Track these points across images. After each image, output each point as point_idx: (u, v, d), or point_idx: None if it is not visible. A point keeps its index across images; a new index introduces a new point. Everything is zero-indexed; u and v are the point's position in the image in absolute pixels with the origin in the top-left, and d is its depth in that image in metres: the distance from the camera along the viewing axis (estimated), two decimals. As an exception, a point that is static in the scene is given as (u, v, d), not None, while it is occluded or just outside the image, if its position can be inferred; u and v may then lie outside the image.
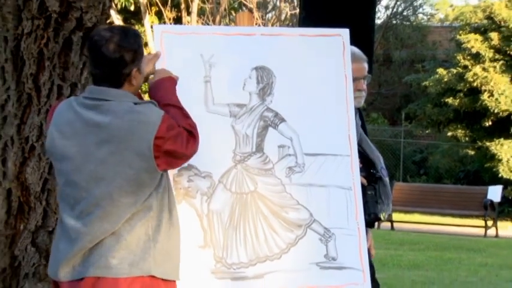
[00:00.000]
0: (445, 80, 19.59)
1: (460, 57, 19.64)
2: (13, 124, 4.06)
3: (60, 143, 2.98)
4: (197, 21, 18.33)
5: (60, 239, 3.02)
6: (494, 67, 18.91)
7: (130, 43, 2.98)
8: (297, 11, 15.24)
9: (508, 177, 18.19)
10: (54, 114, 3.05)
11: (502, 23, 19.36)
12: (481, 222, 15.91)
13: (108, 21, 4.54)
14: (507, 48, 18.97)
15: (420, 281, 8.53)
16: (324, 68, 3.66)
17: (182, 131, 2.99)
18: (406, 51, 26.43)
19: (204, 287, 3.33)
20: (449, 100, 19.39)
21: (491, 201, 16.06)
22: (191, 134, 3.02)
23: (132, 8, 18.53)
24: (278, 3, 21.92)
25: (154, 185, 2.95)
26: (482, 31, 19.82)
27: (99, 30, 3.05)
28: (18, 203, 4.06)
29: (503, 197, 17.21)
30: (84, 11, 4.09)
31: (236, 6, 20.04)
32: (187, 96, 3.30)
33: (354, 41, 3.75)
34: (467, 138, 20.14)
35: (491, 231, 15.64)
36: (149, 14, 18.45)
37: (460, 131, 20.06)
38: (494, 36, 19.17)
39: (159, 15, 18.71)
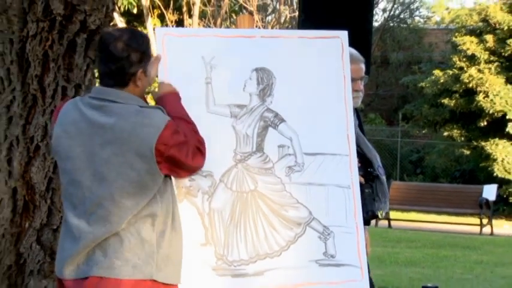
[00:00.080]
0: (441, 81, 19.59)
1: (455, 59, 19.63)
2: (18, 124, 4.06)
3: (65, 142, 2.98)
4: (198, 24, 18.33)
5: (65, 238, 3.02)
6: (490, 69, 18.90)
7: (139, 44, 2.97)
8: (296, 13, 15.25)
9: (502, 176, 18.18)
10: (60, 113, 3.04)
11: (497, 25, 19.36)
12: (477, 221, 15.91)
13: (111, 24, 4.54)
14: (502, 50, 18.97)
15: (417, 278, 8.53)
16: (323, 69, 3.66)
17: (190, 142, 2.99)
18: (403, 53, 26.43)
19: (205, 283, 3.32)
20: (445, 101, 19.39)
21: (487, 200, 16.06)
22: (199, 149, 3.03)
23: (135, 10, 18.55)
24: (278, 6, 21.91)
25: (157, 188, 2.94)
26: (477, 33, 19.81)
27: (110, 29, 3.07)
28: (23, 201, 4.06)
29: (498, 195, 17.21)
30: (88, 13, 4.10)
31: (237, 9, 20.03)
32: (189, 97, 3.29)
33: (352, 43, 3.75)
34: (462, 138, 20.13)
35: (487, 229, 15.65)
36: (152, 16, 18.46)
37: (455, 131, 20.05)
38: (489, 38, 19.16)
39: (162, 17, 18.72)
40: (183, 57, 3.46)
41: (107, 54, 2.96)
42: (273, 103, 3.53)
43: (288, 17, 20.71)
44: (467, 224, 15.93)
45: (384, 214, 4.23)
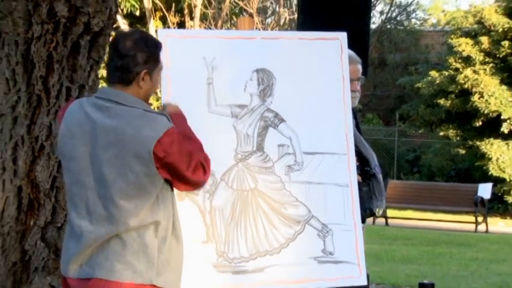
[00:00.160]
0: (437, 82, 19.59)
1: (451, 60, 19.63)
2: (23, 124, 4.06)
3: (69, 142, 2.97)
4: (200, 26, 18.32)
5: (69, 238, 3.01)
6: (485, 70, 18.90)
7: (146, 45, 2.96)
8: (295, 16, 15.24)
9: (497, 175, 18.18)
10: (66, 114, 3.03)
11: (492, 27, 19.36)
12: (472, 218, 15.91)
13: (114, 26, 4.54)
14: (496, 52, 18.96)
15: (413, 275, 8.52)
16: (322, 70, 3.65)
17: (193, 156, 2.95)
18: (400, 54, 26.43)
19: (206, 280, 3.32)
20: (441, 101, 19.38)
21: (482, 198, 16.05)
22: (202, 165, 2.99)
23: (137, 13, 18.53)
24: (277, 9, 21.91)
25: (156, 192, 2.91)
26: (472, 35, 19.81)
27: (124, 30, 3.07)
28: (28, 199, 4.06)
29: (493, 194, 17.20)
30: (91, 16, 4.09)
31: (237, 11, 20.02)
32: (191, 97, 3.29)
33: (350, 45, 3.75)
34: (458, 138, 20.13)
35: (482, 227, 15.64)
36: (154, 18, 18.45)
37: (451, 130, 20.05)
38: (484, 40, 19.16)
39: (164, 20, 18.71)
40: (185, 58, 3.46)
41: (115, 51, 2.97)
42: (273, 103, 3.53)
43: (287, 19, 20.70)
44: (462, 222, 15.92)
45: (380, 212, 4.23)
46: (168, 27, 17.77)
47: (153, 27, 17.84)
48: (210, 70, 3.47)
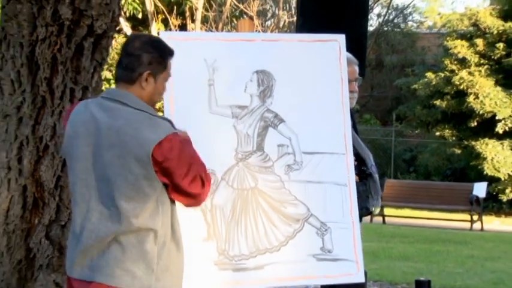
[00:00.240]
0: (434, 83, 19.59)
1: (447, 62, 19.63)
2: (28, 125, 4.06)
3: (74, 142, 2.96)
4: (201, 28, 18.32)
5: (72, 237, 3.00)
6: (480, 71, 18.91)
7: (153, 48, 2.95)
8: (295, 18, 15.24)
9: (492, 174, 18.18)
10: (72, 114, 3.02)
11: (487, 29, 19.36)
12: (467, 217, 15.90)
13: (117, 29, 4.54)
14: (491, 54, 18.97)
15: (410, 272, 8.52)
16: (321, 71, 3.65)
17: (193, 167, 2.89)
18: (397, 56, 26.42)
19: (207, 277, 3.32)
20: (437, 102, 19.38)
21: (477, 197, 16.05)
22: (201, 179, 2.92)
23: (140, 15, 18.54)
24: (277, 12, 21.91)
25: (155, 195, 2.86)
26: (468, 37, 19.81)
27: (140, 33, 3.08)
28: (33, 198, 4.05)
29: (488, 193, 17.20)
30: (95, 18, 4.09)
31: (237, 14, 20.02)
32: (192, 98, 3.29)
33: (348, 47, 3.75)
34: (454, 138, 20.13)
35: (477, 225, 15.64)
36: (156, 21, 18.45)
37: (447, 131, 20.05)
38: (479, 42, 19.17)
39: (165, 22, 18.71)
40: (187, 60, 3.46)
41: (124, 50, 2.98)
42: (273, 104, 3.53)
43: (287, 21, 20.70)
44: (458, 220, 15.92)
45: (378, 211, 4.23)
46: (170, 29, 17.78)
47: (155, 29, 17.85)
48: (211, 72, 3.47)
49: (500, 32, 19.07)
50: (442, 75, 19.54)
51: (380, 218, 15.54)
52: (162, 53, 2.97)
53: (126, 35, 18.41)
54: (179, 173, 2.85)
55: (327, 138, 3.60)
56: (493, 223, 16.95)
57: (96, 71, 4.20)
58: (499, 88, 18.55)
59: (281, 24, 20.55)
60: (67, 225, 3.98)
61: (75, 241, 2.95)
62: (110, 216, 2.87)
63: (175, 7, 18.63)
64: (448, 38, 20.37)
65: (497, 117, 18.23)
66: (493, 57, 18.98)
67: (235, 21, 19.31)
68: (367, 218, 10.25)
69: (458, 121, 19.55)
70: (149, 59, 2.93)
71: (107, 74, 17.12)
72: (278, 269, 3.41)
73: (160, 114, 3.22)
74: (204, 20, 19.00)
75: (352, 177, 3.60)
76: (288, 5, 22.03)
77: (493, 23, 19.23)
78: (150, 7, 18.06)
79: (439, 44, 22.68)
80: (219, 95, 3.46)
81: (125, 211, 2.84)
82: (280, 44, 3.70)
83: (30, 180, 4.05)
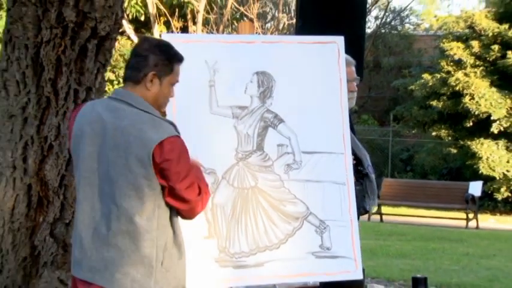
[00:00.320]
0: (430, 84, 19.57)
1: (443, 63, 19.62)
2: (33, 125, 4.06)
3: (80, 141, 2.95)
4: (202, 30, 18.31)
5: (75, 236, 3.00)
6: (475, 72, 18.89)
7: (161, 51, 2.94)
8: (294, 21, 15.23)
9: (487, 173, 18.17)
10: (79, 114, 3.01)
11: (482, 32, 19.35)
12: (463, 215, 15.90)
13: (120, 31, 4.54)
14: (487, 55, 18.95)
15: (407, 269, 8.51)
16: (320, 72, 3.65)
17: (192, 172, 2.88)
18: (394, 57, 26.41)
19: (208, 274, 3.32)
20: (434, 103, 19.37)
21: (472, 196, 16.04)
22: (199, 187, 2.90)
23: (142, 18, 18.56)
24: (276, 14, 21.91)
25: (153, 196, 2.84)
26: (464, 39, 19.80)
27: (150, 36, 3.09)
28: (37, 197, 4.05)
29: (483, 191, 17.19)
30: (98, 21, 4.09)
31: (238, 16, 20.01)
32: (194, 99, 3.29)
33: (346, 49, 3.75)
34: (450, 138, 20.12)
35: (472, 223, 15.63)
36: (158, 23, 18.45)
37: (443, 131, 20.04)
38: (475, 44, 19.15)
39: (167, 24, 18.71)
40: (188, 61, 3.44)
41: (133, 51, 3.00)
42: (272, 104, 3.53)
43: (286, 24, 20.69)
44: (454, 219, 15.92)
45: (375, 209, 4.22)
46: (172, 31, 17.78)
47: (158, 31, 17.85)
48: (211, 73, 3.47)
49: (495, 34, 19.06)
50: (439, 76, 19.53)
51: (378, 217, 15.54)
52: (168, 56, 2.96)
53: (129, 37, 18.43)
54: (176, 176, 2.83)
55: (325, 138, 3.59)
56: (488, 221, 16.95)
57: (99, 72, 4.20)
58: (494, 89, 18.54)
59: (281, 27, 20.54)
60: (71, 223, 3.98)
61: (78, 239, 2.95)
62: (110, 215, 2.86)
63: (177, 10, 18.64)
64: (444, 40, 20.35)
65: (492, 118, 18.22)
66: (488, 58, 18.97)
67: (236, 24, 19.31)
68: (365, 217, 10.24)
69: (454, 121, 19.54)
70: (155, 60, 2.93)
71: (110, 75, 17.11)
72: (278, 266, 3.41)
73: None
74: (205, 23, 19.00)
75: (350, 176, 3.60)
76: (287, 8, 22.04)
77: (488, 25, 19.22)
78: (152, 10, 18.07)
79: (436, 45, 22.66)
80: (219, 96, 3.45)
81: (124, 210, 2.83)
82: (280, 45, 3.70)
83: (35, 179, 4.05)
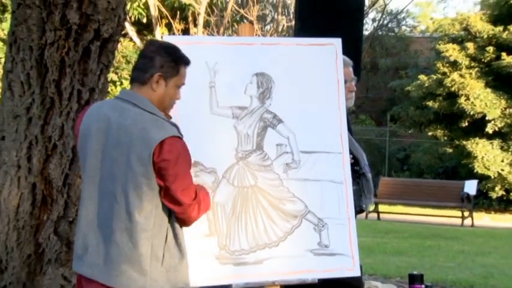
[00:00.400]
0: (426, 85, 19.58)
1: (439, 64, 19.63)
2: (37, 125, 4.06)
3: (87, 140, 2.95)
4: (203, 32, 18.31)
5: (78, 233, 3.00)
6: (470, 74, 18.90)
7: (167, 53, 2.94)
8: (293, 23, 15.25)
9: (482, 172, 18.18)
10: (86, 113, 3.01)
11: (477, 34, 19.36)
12: (458, 213, 15.91)
13: (122, 33, 4.54)
14: (482, 57, 18.96)
15: (403, 266, 8.52)
16: (318, 73, 3.65)
17: (189, 176, 2.87)
18: (391, 59, 26.42)
19: (209, 271, 3.32)
20: (430, 103, 19.38)
21: (468, 194, 16.05)
22: (195, 192, 2.89)
23: (144, 20, 18.54)
24: (276, 16, 21.90)
25: (151, 195, 2.83)
26: (459, 41, 19.81)
27: (158, 39, 3.12)
28: (42, 195, 4.05)
29: (478, 190, 17.20)
30: (101, 23, 4.09)
31: (238, 19, 20.01)
32: (194, 100, 3.28)
33: (344, 50, 3.74)
34: (446, 138, 20.13)
35: (468, 221, 15.64)
36: (160, 25, 18.45)
37: (439, 131, 20.05)
38: (470, 46, 19.16)
39: (169, 26, 18.70)
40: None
41: (140, 53, 3.01)
42: (271, 105, 3.53)
43: (285, 26, 20.69)
44: (450, 217, 15.93)
45: (372, 208, 4.22)
46: (173, 33, 17.77)
47: (159, 33, 17.85)
48: (212, 74, 3.47)
49: (490, 36, 19.07)
50: (434, 77, 19.54)
51: (375, 215, 15.55)
52: (174, 58, 2.96)
53: (131, 39, 18.43)
54: (172, 177, 2.81)
55: (323, 137, 3.59)
56: (483, 219, 16.96)
57: (102, 73, 4.20)
58: (488, 90, 18.55)
59: (280, 29, 20.54)
60: (75, 221, 3.98)
61: (80, 235, 2.95)
62: (111, 212, 2.86)
63: (178, 12, 18.62)
64: (440, 42, 20.37)
65: (487, 118, 18.23)
66: (483, 60, 18.97)
67: (236, 26, 19.30)
68: (362, 215, 10.23)
69: (449, 121, 19.55)
70: (161, 62, 2.93)
71: (112, 76, 17.10)
72: (277, 264, 3.41)
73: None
74: (206, 25, 18.99)
75: (348, 175, 3.60)
76: (286, 10, 22.03)
77: (483, 28, 19.23)
78: (154, 12, 18.07)
79: (432, 47, 22.67)
80: (220, 97, 3.45)
81: (124, 208, 2.83)
82: (279, 47, 3.70)
83: (39, 178, 4.05)
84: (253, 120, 3.49)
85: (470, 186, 16.23)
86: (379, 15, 27.80)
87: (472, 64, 19.11)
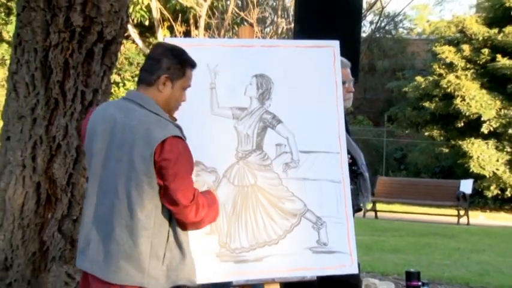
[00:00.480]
0: (423, 86, 19.59)
1: (435, 66, 19.63)
2: (42, 125, 4.06)
3: (93, 139, 2.96)
4: (204, 35, 18.32)
5: (81, 229, 3.00)
6: (466, 75, 18.90)
7: (174, 55, 2.95)
8: (292, 25, 15.24)
9: (478, 172, 18.19)
10: (93, 113, 3.02)
11: (473, 36, 19.37)
12: (454, 212, 15.91)
13: (125, 35, 4.54)
14: (477, 59, 18.96)
15: (401, 264, 8.51)
16: (316, 75, 3.64)
17: (189, 177, 2.86)
18: (388, 61, 26.42)
19: (210, 269, 3.32)
20: (426, 104, 19.39)
21: (463, 193, 16.05)
22: (194, 195, 2.88)
23: (147, 23, 18.56)
24: (275, 19, 21.91)
25: (152, 193, 2.83)
26: (455, 43, 19.81)
27: (165, 42, 3.15)
28: (46, 194, 4.06)
29: (474, 189, 17.20)
30: (104, 25, 4.09)
31: (238, 21, 20.02)
32: (195, 101, 3.28)
33: (342, 52, 3.74)
34: (442, 138, 20.13)
35: (463, 220, 15.64)
36: (162, 28, 18.45)
37: (436, 131, 20.05)
38: (465, 47, 19.16)
39: (171, 29, 18.71)
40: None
41: (148, 55, 3.01)
42: (271, 106, 3.52)
43: (285, 28, 20.70)
44: (446, 215, 15.93)
45: (369, 207, 4.23)
46: (175, 36, 17.79)
47: (161, 36, 17.85)
48: (212, 76, 3.47)
49: (486, 38, 19.08)
50: (431, 78, 19.55)
51: (372, 213, 15.55)
52: (181, 61, 2.96)
53: (133, 41, 18.43)
54: (172, 175, 2.81)
55: (322, 138, 3.59)
56: (479, 218, 16.96)
57: (105, 75, 4.21)
58: (484, 91, 18.55)
59: (279, 31, 20.55)
60: (78, 219, 3.98)
61: (83, 232, 2.96)
62: (113, 209, 2.86)
63: (180, 15, 18.63)
64: (436, 44, 20.38)
65: (482, 118, 18.23)
66: (478, 62, 18.98)
67: (236, 28, 19.30)
68: (360, 213, 10.25)
69: (446, 122, 19.55)
70: (168, 64, 2.93)
71: (115, 77, 17.11)
72: (276, 261, 3.41)
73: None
74: (207, 27, 19.00)
75: (346, 175, 3.59)
76: (286, 13, 22.04)
77: (479, 30, 19.24)
78: (156, 15, 18.07)
79: (428, 49, 22.68)
80: (220, 98, 3.45)
81: (125, 205, 2.83)
82: (279, 49, 3.70)
83: (44, 177, 4.05)
84: (253, 121, 3.49)
85: (466, 186, 16.23)
86: (377, 17, 27.79)
87: (468, 66, 19.11)
